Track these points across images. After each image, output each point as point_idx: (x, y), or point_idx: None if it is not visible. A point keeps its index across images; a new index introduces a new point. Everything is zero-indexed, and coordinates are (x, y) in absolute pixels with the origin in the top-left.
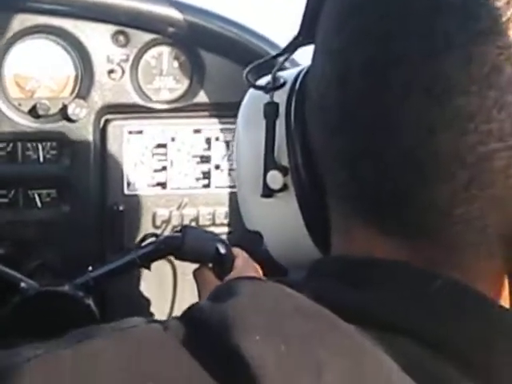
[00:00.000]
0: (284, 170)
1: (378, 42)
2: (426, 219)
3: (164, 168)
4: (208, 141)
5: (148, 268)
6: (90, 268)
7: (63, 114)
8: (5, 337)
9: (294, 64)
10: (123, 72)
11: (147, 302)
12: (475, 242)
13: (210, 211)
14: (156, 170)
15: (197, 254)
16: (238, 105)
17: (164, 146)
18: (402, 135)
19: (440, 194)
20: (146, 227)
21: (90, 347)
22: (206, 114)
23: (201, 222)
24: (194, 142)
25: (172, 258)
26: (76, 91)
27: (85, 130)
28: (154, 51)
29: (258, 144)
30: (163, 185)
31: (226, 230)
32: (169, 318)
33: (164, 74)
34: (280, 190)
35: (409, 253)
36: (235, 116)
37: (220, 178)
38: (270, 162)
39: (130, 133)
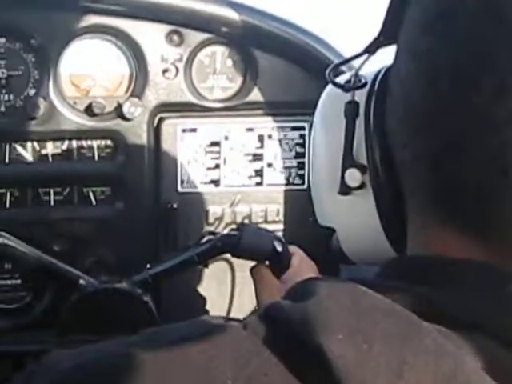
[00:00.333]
0: (362, 169)
1: (468, 47)
2: (505, 221)
3: (217, 166)
4: (261, 139)
5: (206, 266)
6: (148, 265)
7: (118, 112)
8: (66, 333)
9: (351, 68)
10: (177, 71)
11: (204, 299)
12: None
13: (262, 208)
14: (209, 168)
15: (254, 252)
16: (290, 103)
17: (217, 144)
18: (491, 135)
19: None
20: (200, 224)
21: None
22: (259, 112)
23: (253, 220)
24: (246, 140)
25: (229, 255)
26: (131, 90)
27: (139, 129)
28: (207, 50)
29: (337, 141)
30: (216, 182)
31: (278, 227)
32: (227, 315)
33: (217, 73)
34: (358, 188)
35: (484, 253)
36: (288, 114)
37: (272, 176)
38: (348, 160)
39: (184, 131)
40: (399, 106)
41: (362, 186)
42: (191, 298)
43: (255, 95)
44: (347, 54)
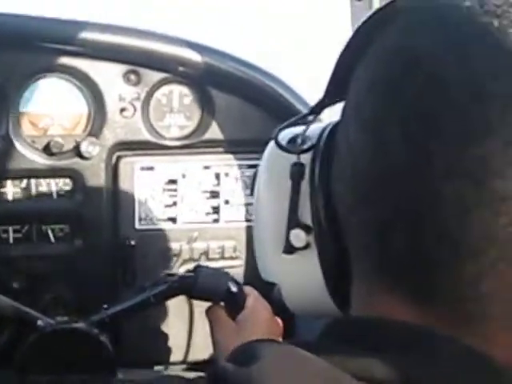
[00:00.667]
0: (307, 229)
1: (418, 118)
2: (449, 290)
3: (175, 203)
4: (217, 176)
5: (162, 305)
6: (105, 306)
7: (76, 151)
8: (23, 373)
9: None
10: (135, 110)
11: (163, 336)
12: (498, 316)
13: (219, 245)
14: (167, 206)
15: (209, 293)
16: (246, 141)
17: (175, 181)
18: (440, 212)
19: (469, 268)
20: (158, 261)
21: None
22: (216, 150)
23: (210, 256)
24: (203, 178)
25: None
26: (89, 129)
27: (97, 167)
28: (164, 89)
29: (282, 201)
30: (174, 220)
31: (234, 263)
32: (186, 354)
33: (175, 112)
34: (303, 248)
35: (431, 320)
36: (244, 152)
37: (229, 213)
38: (293, 221)
39: (142, 169)
40: (347, 170)
41: (307, 247)
42: (150, 335)
43: (212, 133)
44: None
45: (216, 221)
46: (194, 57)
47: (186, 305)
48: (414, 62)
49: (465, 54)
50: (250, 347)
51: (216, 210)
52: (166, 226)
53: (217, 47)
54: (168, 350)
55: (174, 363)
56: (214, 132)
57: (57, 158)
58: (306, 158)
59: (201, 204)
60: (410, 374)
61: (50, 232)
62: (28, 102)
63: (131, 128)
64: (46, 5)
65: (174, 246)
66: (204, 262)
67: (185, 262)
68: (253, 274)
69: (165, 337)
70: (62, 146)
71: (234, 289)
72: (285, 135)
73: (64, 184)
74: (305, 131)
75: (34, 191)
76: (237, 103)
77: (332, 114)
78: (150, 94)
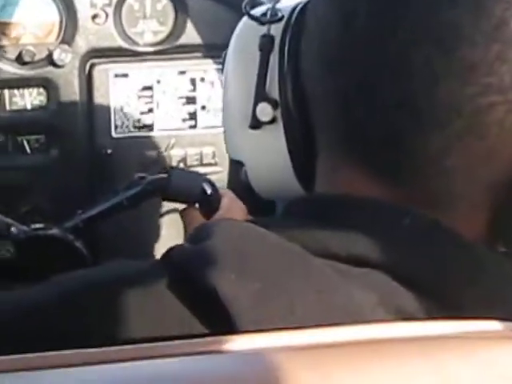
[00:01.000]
0: (274, 103)
1: None
2: (414, 165)
3: (150, 110)
4: (193, 82)
5: (136, 209)
6: (80, 211)
7: (49, 59)
8: None
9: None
10: (107, 16)
11: (138, 241)
12: (461, 193)
13: (197, 151)
14: (143, 113)
15: (183, 195)
16: (221, 45)
17: (150, 88)
18: (404, 81)
19: (433, 141)
20: (135, 169)
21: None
22: (191, 55)
23: (188, 163)
24: (179, 84)
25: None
26: (61, 37)
27: (71, 75)
28: None
29: (250, 75)
30: (150, 127)
31: (213, 169)
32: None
33: (147, 17)
34: (268, 123)
35: (391, 196)
36: (219, 56)
37: (206, 119)
38: (260, 94)
39: (116, 76)
40: (314, 42)
41: (273, 121)
42: (126, 240)
43: (186, 38)
44: None
45: (193, 127)
46: None
47: (159, 207)
48: None
49: None
50: (205, 226)
51: (193, 115)
52: (143, 133)
53: None
54: (143, 253)
55: None
56: (189, 37)
57: (29, 67)
58: (276, 31)
59: (177, 110)
60: (369, 246)
61: (25, 143)
62: None
63: (104, 34)
64: None
65: (151, 153)
66: None
67: (163, 169)
68: (233, 181)
69: (139, 240)
70: (35, 55)
71: (208, 190)
72: (257, 11)
73: (38, 94)
74: (275, 3)
75: (7, 102)
76: (210, 6)
77: None
78: (121, 0)
